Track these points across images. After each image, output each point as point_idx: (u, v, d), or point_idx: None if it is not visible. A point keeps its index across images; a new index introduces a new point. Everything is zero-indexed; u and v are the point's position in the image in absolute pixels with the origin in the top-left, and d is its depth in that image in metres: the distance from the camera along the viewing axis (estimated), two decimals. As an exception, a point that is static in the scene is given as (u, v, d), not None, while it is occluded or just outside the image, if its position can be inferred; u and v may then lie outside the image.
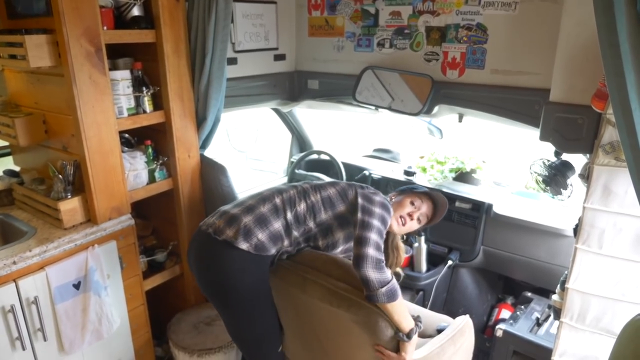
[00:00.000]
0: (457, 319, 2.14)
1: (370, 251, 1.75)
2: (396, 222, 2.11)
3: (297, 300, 2.01)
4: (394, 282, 1.75)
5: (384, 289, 1.70)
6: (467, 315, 2.13)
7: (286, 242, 1.93)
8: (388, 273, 1.76)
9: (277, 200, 1.96)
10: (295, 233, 1.95)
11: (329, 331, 2.00)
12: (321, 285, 1.88)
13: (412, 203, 2.13)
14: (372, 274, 1.71)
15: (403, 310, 1.77)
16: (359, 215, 1.88)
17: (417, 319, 1.83)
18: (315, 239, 2.01)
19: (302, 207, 1.96)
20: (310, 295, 1.92)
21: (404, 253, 2.26)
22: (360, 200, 1.93)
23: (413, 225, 2.15)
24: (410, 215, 2.13)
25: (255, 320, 1.99)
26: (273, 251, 1.90)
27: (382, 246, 1.84)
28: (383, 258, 1.79)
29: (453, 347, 2.01)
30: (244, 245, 1.83)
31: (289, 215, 1.93)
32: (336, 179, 3.06)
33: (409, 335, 1.75)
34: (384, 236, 1.90)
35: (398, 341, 1.77)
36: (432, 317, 2.25)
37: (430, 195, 2.19)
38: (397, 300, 1.73)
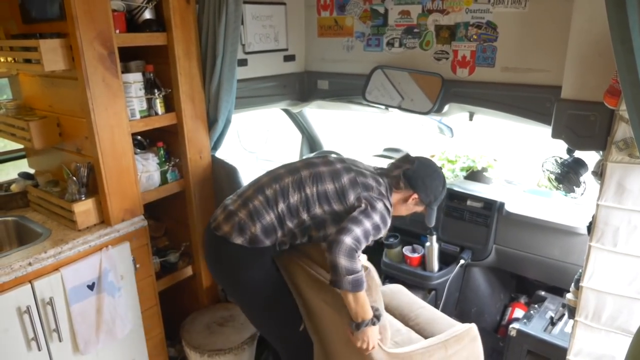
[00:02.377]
0: (459, 325, 2.11)
1: (348, 240, 1.75)
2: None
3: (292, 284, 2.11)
4: (362, 274, 1.75)
5: (350, 277, 1.71)
6: (473, 324, 2.09)
7: (279, 233, 1.94)
8: (359, 264, 1.75)
9: (269, 192, 1.95)
10: (289, 224, 1.94)
11: (313, 315, 2.08)
12: (302, 268, 1.96)
13: (415, 212, 2.15)
14: (342, 260, 1.71)
15: (364, 302, 1.77)
16: (355, 212, 1.87)
17: (376, 311, 1.82)
18: (309, 229, 1.99)
19: (295, 198, 1.94)
20: (298, 279, 2.01)
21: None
22: (363, 206, 1.90)
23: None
24: (403, 216, 2.16)
25: (266, 308, 2.05)
26: (267, 243, 1.93)
27: (363, 245, 1.82)
28: (359, 251, 1.79)
29: (444, 351, 1.97)
30: (238, 240, 1.90)
31: (282, 207, 1.93)
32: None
33: (357, 326, 1.76)
34: (369, 241, 1.87)
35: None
36: (442, 320, 2.23)
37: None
38: (361, 291, 1.74)
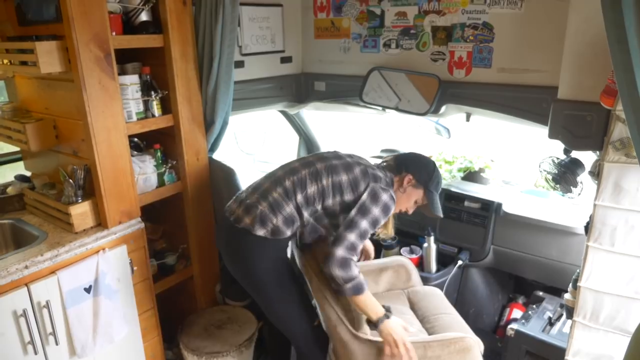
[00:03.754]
0: (453, 333, 2.06)
1: (340, 252, 1.88)
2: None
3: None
4: (360, 278, 1.89)
5: (349, 284, 1.87)
6: (468, 336, 2.01)
7: (298, 223, 2.03)
8: (355, 270, 1.89)
9: (288, 183, 2.02)
10: (305, 214, 2.03)
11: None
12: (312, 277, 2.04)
13: (416, 202, 2.18)
14: (337, 271, 1.86)
15: (370, 302, 1.92)
16: (353, 212, 1.96)
17: (387, 309, 1.94)
18: (322, 218, 2.10)
19: (312, 189, 2.02)
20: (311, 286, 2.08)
21: (392, 226, 2.27)
22: (364, 197, 1.98)
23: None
24: (407, 210, 2.21)
25: (283, 300, 2.10)
26: (289, 233, 2.01)
27: (359, 246, 1.93)
28: (354, 257, 1.90)
29: (422, 351, 1.94)
30: (260, 232, 1.96)
31: (299, 197, 2.00)
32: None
33: (376, 324, 1.89)
34: (368, 235, 1.97)
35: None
36: (457, 328, 2.18)
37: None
38: (363, 293, 1.89)
